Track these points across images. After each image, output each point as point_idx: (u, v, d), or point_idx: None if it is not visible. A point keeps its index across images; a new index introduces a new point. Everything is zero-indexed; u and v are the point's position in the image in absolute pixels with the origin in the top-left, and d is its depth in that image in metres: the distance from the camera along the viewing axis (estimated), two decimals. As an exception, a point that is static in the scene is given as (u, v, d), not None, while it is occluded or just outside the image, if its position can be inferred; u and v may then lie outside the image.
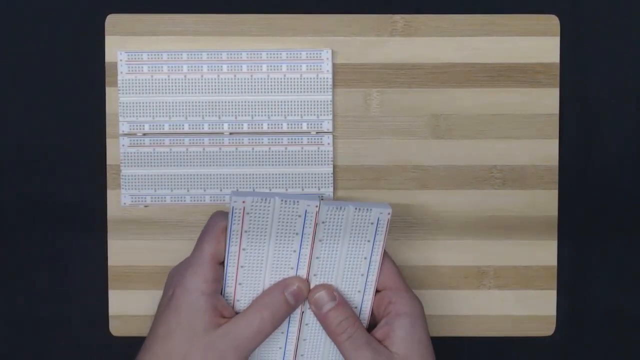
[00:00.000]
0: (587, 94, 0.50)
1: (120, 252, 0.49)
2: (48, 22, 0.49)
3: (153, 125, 0.48)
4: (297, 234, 0.42)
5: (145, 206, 0.49)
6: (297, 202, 0.41)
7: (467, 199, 0.49)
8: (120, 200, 0.48)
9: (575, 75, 0.49)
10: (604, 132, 0.50)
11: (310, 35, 0.49)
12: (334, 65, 0.49)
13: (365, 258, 0.43)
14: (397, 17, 0.49)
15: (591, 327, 0.50)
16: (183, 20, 0.48)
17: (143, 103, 0.48)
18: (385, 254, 0.44)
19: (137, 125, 0.48)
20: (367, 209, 0.42)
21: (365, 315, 0.45)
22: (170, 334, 0.41)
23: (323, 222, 0.42)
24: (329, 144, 0.48)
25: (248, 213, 0.41)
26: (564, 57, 0.49)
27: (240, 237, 0.42)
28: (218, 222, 0.43)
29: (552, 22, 0.49)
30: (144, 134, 0.48)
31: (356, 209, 0.42)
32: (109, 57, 0.48)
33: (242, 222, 0.42)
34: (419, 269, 0.49)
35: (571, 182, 0.50)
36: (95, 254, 0.49)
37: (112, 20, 0.48)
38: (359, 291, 0.44)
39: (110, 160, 0.49)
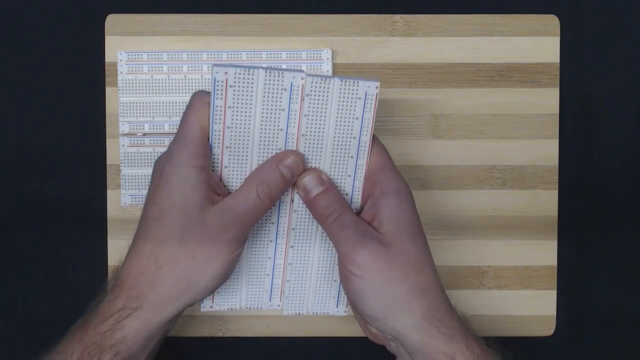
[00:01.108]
0: (587, 94, 0.50)
1: (120, 252, 0.49)
2: (48, 22, 0.49)
3: (153, 125, 0.48)
4: (283, 110, 0.40)
5: (145, 206, 0.49)
6: (282, 74, 0.40)
7: (466, 199, 0.49)
8: (120, 200, 0.48)
9: (575, 75, 0.49)
10: (604, 132, 0.50)
11: (310, 35, 0.49)
12: (334, 65, 0.49)
13: (354, 137, 0.41)
14: (397, 17, 0.49)
15: (591, 327, 0.50)
16: (183, 20, 0.48)
17: (143, 103, 0.48)
18: (375, 137, 0.42)
19: (137, 125, 0.48)
20: (354, 82, 0.40)
21: (357, 203, 0.43)
22: (163, 214, 0.38)
23: (308, 95, 0.40)
24: (329, 143, 0.48)
25: (231, 86, 0.39)
26: (564, 57, 0.49)
27: (224, 113, 0.40)
28: (201, 97, 0.40)
29: (552, 22, 0.49)
30: (144, 134, 0.48)
31: (342, 81, 0.40)
32: (109, 57, 0.48)
33: (225, 97, 0.39)
34: (419, 269, 0.49)
35: (571, 182, 0.50)
36: (95, 254, 0.49)
37: (112, 20, 0.48)
38: (349, 175, 0.42)
39: (110, 160, 0.49)
